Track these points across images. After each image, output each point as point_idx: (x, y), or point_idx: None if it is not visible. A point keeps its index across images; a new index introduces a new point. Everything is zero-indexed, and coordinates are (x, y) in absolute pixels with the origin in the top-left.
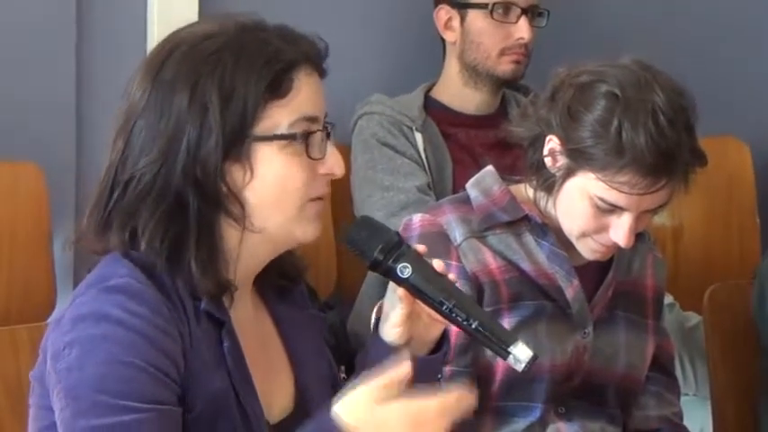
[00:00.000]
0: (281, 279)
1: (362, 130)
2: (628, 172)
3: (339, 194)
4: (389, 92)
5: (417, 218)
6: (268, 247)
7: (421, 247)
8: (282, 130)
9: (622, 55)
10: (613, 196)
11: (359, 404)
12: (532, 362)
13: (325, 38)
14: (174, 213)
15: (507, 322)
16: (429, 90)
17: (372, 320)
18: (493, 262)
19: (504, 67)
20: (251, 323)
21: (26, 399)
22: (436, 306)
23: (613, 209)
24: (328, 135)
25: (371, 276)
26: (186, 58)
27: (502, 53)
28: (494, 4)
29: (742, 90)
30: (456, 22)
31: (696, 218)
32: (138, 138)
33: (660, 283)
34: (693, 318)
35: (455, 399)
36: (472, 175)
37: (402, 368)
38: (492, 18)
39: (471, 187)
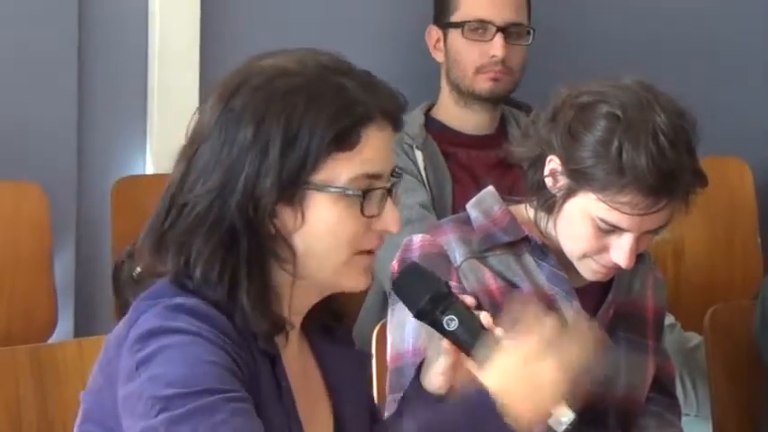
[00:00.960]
0: (327, 318)
1: None
2: (628, 192)
3: None
4: None
5: (418, 239)
6: (315, 291)
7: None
8: (341, 183)
9: (623, 75)
10: (614, 217)
11: (508, 368)
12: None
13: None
14: (226, 246)
15: None
16: (429, 110)
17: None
18: (493, 283)
19: (482, 84)
20: (295, 358)
21: (25, 419)
22: (480, 362)
23: (614, 229)
24: (390, 191)
25: (372, 297)
26: (259, 92)
27: (478, 71)
28: (467, 22)
29: (743, 110)
30: (442, 43)
31: (697, 238)
32: (199, 163)
33: (661, 304)
34: (694, 338)
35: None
36: (472, 195)
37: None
38: (464, 36)
39: (471, 208)
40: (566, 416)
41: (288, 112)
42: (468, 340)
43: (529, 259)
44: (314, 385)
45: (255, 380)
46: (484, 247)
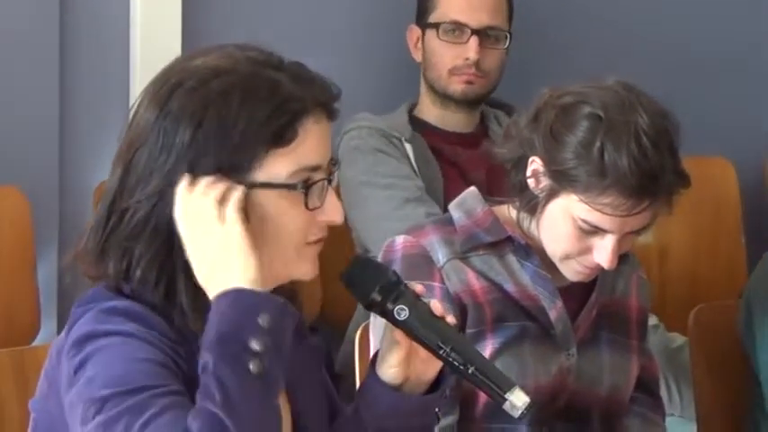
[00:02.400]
0: None
1: (353, 142)
2: (611, 194)
3: None
4: (374, 112)
5: (400, 240)
6: (266, 284)
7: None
8: (281, 179)
9: (606, 76)
10: (596, 218)
11: None
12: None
13: (305, 59)
14: (168, 250)
15: (491, 344)
16: (412, 109)
17: (356, 344)
18: (476, 283)
19: (455, 86)
20: None
21: (8, 422)
22: (433, 349)
23: (596, 230)
24: (330, 181)
25: (361, 310)
26: (194, 95)
27: (452, 73)
28: (443, 23)
29: (728, 110)
30: (421, 42)
31: (681, 238)
32: (138, 168)
33: (644, 304)
34: (678, 339)
35: None
36: (461, 191)
37: None
38: (439, 38)
39: (454, 208)
40: (521, 400)
41: (224, 113)
42: (420, 329)
43: (512, 259)
44: None
45: (197, 376)
46: (467, 248)
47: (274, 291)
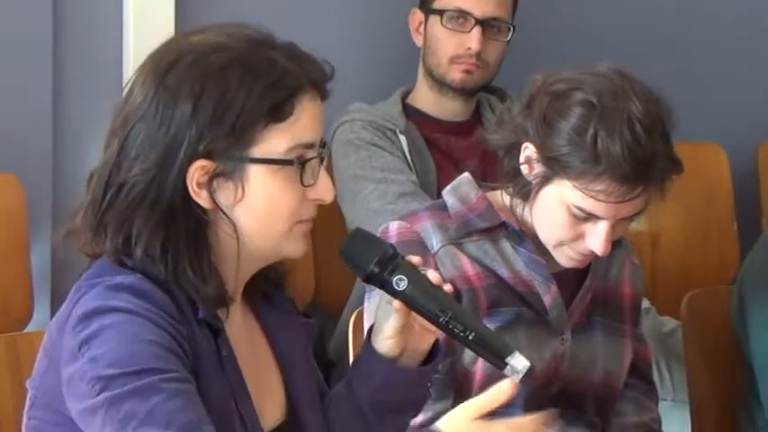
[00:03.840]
0: (264, 284)
1: (346, 135)
2: (604, 180)
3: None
4: (368, 101)
5: (394, 225)
6: (259, 261)
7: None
8: (278, 154)
9: (599, 62)
10: (589, 204)
11: (459, 418)
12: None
13: (301, 40)
14: (167, 223)
15: None
16: (405, 96)
17: (351, 328)
18: (471, 269)
19: (454, 75)
20: (241, 330)
21: (2, 408)
22: (432, 318)
23: (589, 217)
24: (322, 160)
25: (355, 295)
26: (192, 70)
27: (452, 61)
28: (447, 11)
29: (720, 96)
30: (423, 27)
31: (674, 224)
32: (135, 142)
33: (637, 290)
34: (670, 322)
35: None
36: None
37: (504, 391)
38: (442, 25)
39: (448, 194)
40: (521, 364)
41: (223, 86)
42: (419, 297)
43: (506, 245)
44: (262, 356)
45: (196, 354)
46: (461, 234)
47: (266, 269)
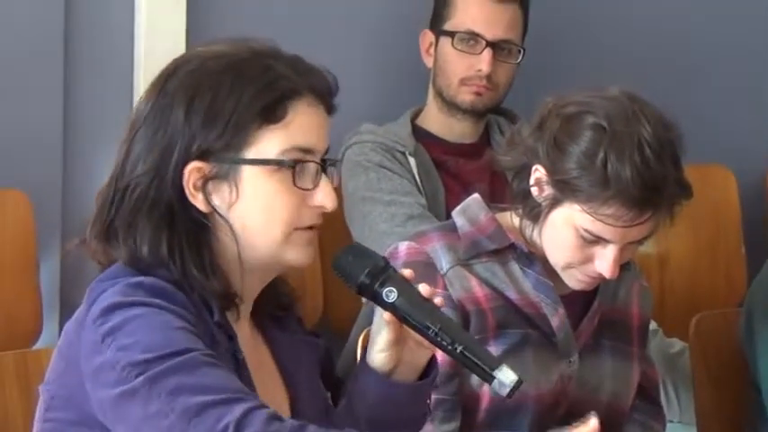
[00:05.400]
0: (275, 309)
1: (355, 157)
2: (613, 204)
3: (328, 222)
4: (378, 121)
5: (404, 246)
6: (263, 269)
7: (407, 272)
8: (271, 155)
9: (610, 85)
10: (598, 228)
11: None
12: (518, 386)
13: (311, 59)
14: (168, 224)
15: (493, 351)
16: (415, 117)
17: (359, 347)
18: (479, 290)
19: (464, 96)
20: (249, 346)
21: (11, 425)
22: (422, 330)
23: (598, 240)
24: (324, 169)
25: (363, 314)
26: (190, 75)
27: (462, 83)
28: (458, 32)
29: (728, 118)
30: (433, 48)
31: (682, 246)
32: (137, 147)
33: (646, 312)
34: (677, 344)
35: None
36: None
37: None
38: (453, 46)
39: (457, 215)
40: (509, 378)
41: (215, 89)
42: (408, 309)
43: (515, 267)
44: (269, 373)
45: (218, 350)
46: (470, 255)
47: (276, 291)
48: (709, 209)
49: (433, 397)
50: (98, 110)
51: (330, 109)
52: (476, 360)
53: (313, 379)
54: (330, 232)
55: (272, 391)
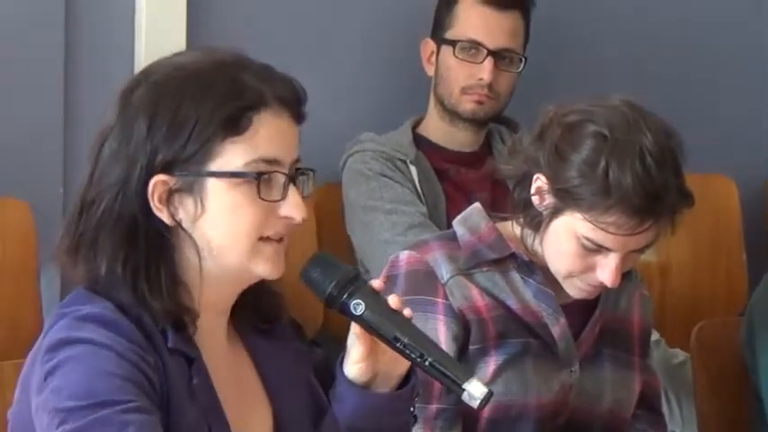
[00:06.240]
0: (258, 321)
1: (356, 165)
2: (614, 213)
3: (326, 233)
4: (379, 129)
5: (404, 255)
6: (231, 281)
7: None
8: (236, 168)
9: (611, 94)
10: (600, 236)
11: None
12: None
13: (312, 77)
14: (130, 241)
15: (494, 360)
16: (416, 125)
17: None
18: (480, 299)
19: (465, 105)
20: (225, 359)
21: None
22: (390, 342)
23: (600, 249)
24: (294, 180)
25: None
26: (154, 87)
27: (463, 92)
28: (459, 41)
29: (729, 127)
30: (435, 57)
31: (683, 255)
32: (103, 161)
33: (647, 321)
34: (679, 354)
35: None
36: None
37: None
38: (455, 55)
39: (458, 224)
40: (479, 390)
41: (178, 101)
42: (376, 321)
43: (515, 276)
44: (248, 385)
45: (167, 383)
46: (470, 264)
47: (258, 302)
48: (710, 217)
49: (435, 407)
50: (98, 117)
51: (299, 118)
52: (446, 372)
53: (300, 390)
54: (330, 242)
55: (252, 404)
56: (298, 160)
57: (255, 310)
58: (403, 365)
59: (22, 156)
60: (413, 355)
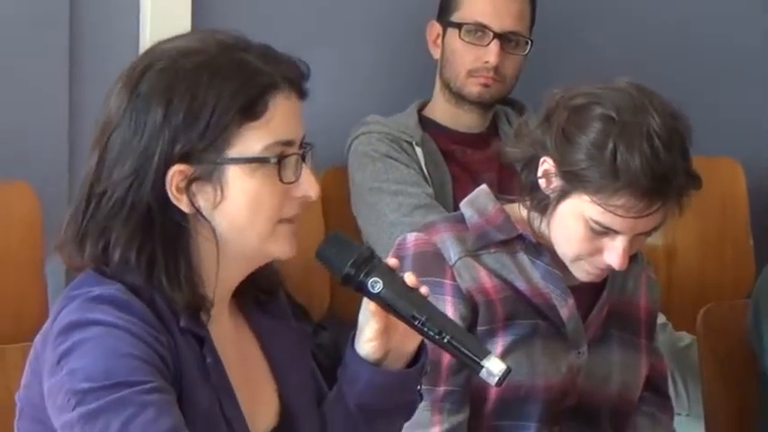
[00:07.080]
0: (258, 293)
1: (362, 147)
2: (622, 195)
3: (332, 217)
4: (384, 113)
5: (411, 237)
6: (245, 264)
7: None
8: (255, 153)
9: (618, 77)
10: (608, 219)
11: None
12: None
13: (318, 59)
14: (145, 229)
15: (502, 341)
16: (422, 108)
17: None
18: (488, 281)
19: (471, 88)
20: (230, 338)
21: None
22: (408, 320)
23: (607, 231)
24: (303, 158)
25: None
26: (163, 75)
27: (469, 74)
28: (466, 24)
29: (735, 110)
30: (440, 39)
31: (689, 238)
32: (113, 151)
33: (653, 304)
34: (686, 337)
35: None
36: (470, 193)
37: None
38: (461, 38)
39: (465, 206)
40: (497, 367)
41: (193, 89)
42: (394, 299)
43: (523, 257)
44: (253, 362)
45: (179, 363)
46: (478, 246)
47: (256, 275)
48: (717, 200)
49: (443, 388)
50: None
51: (303, 95)
52: (463, 349)
53: (303, 368)
54: (337, 224)
55: (258, 384)
56: (304, 137)
57: (252, 282)
58: (413, 343)
59: (27, 139)
60: (431, 333)
